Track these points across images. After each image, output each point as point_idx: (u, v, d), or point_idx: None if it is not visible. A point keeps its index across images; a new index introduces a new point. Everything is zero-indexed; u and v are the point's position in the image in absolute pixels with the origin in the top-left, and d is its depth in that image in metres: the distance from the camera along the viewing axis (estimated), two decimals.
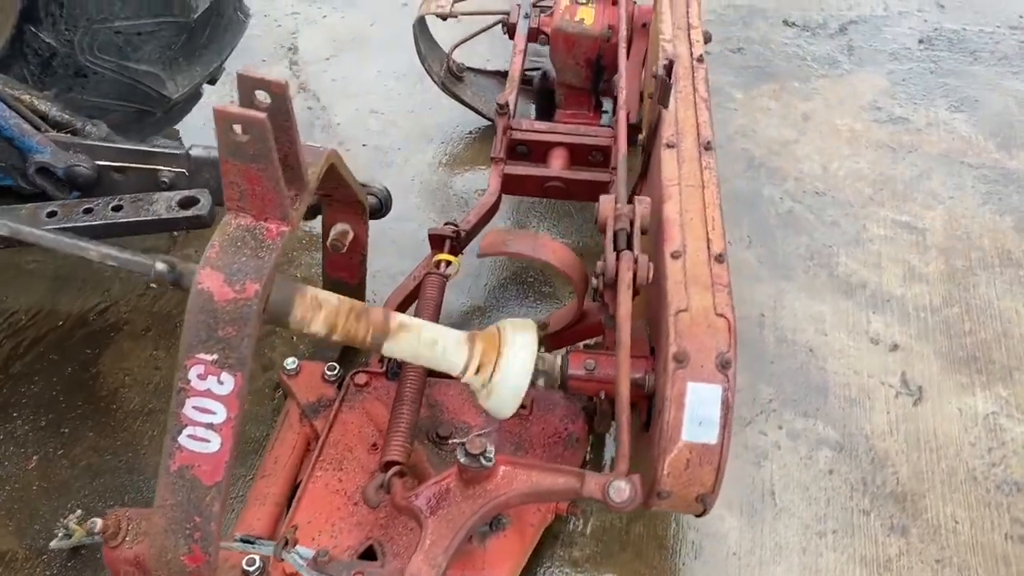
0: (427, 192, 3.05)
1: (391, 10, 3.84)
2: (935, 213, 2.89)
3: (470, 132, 3.26)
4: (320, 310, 1.70)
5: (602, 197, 2.02)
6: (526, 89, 3.28)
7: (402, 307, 2.39)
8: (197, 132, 3.09)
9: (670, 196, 2.01)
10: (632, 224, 1.96)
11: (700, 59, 2.41)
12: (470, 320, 2.65)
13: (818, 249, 2.79)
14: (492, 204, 2.60)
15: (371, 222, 2.74)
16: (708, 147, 2.13)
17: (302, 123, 3.31)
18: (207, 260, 1.45)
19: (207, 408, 1.46)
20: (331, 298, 1.74)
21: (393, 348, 1.79)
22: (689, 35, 2.50)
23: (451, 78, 3.15)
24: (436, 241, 2.47)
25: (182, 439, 1.47)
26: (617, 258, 1.82)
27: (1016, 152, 3.08)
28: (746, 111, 3.29)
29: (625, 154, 2.25)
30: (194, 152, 2.26)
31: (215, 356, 1.44)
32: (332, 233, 2.21)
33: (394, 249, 2.86)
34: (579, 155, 2.72)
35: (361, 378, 2.25)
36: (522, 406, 2.19)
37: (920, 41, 3.57)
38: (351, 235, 2.23)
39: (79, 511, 2.08)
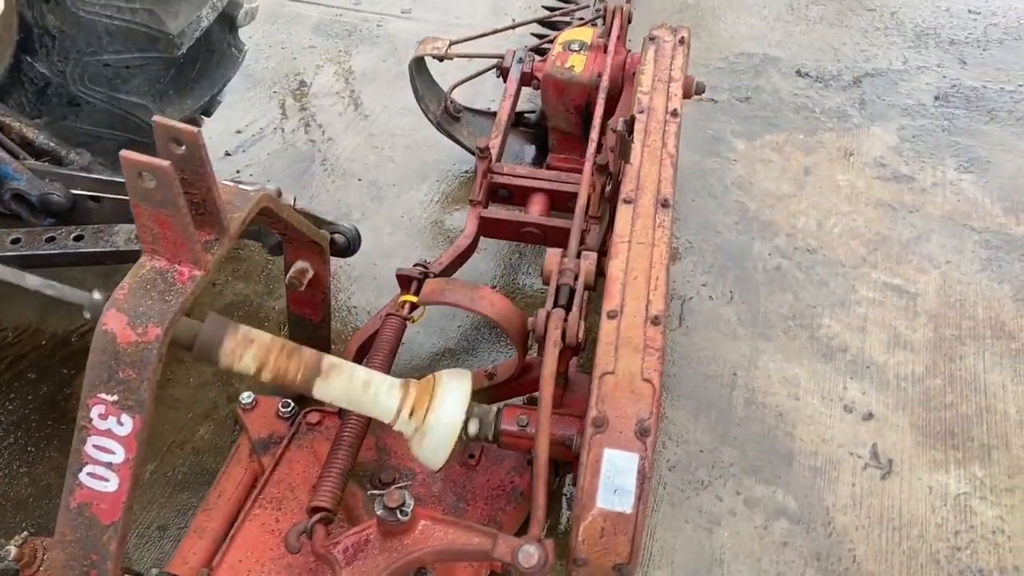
0: (415, 229, 3.06)
1: (406, 47, 3.90)
2: (929, 277, 2.79)
3: (465, 171, 3.27)
4: (250, 348, 1.72)
5: (549, 250, 2.00)
6: (526, 130, 3.32)
7: (364, 347, 2.39)
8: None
9: (617, 253, 1.98)
10: (576, 279, 1.95)
11: (674, 113, 2.38)
12: (439, 362, 2.64)
13: (802, 309, 2.71)
14: (467, 247, 2.60)
15: (356, 256, 2.78)
16: (665, 204, 2.10)
17: (303, 156, 3.40)
18: (114, 301, 1.48)
19: (107, 448, 1.48)
20: (263, 337, 1.75)
21: (325, 390, 1.80)
22: (668, 88, 2.48)
23: (447, 118, 3.18)
24: (404, 282, 2.46)
25: (82, 476, 1.49)
26: (547, 316, 1.80)
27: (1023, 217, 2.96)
28: (746, 162, 3.23)
29: (584, 205, 2.23)
30: None
31: (116, 397, 1.46)
32: (291, 271, 2.22)
33: (375, 285, 2.87)
34: (559, 201, 2.70)
35: (314, 416, 2.25)
36: (470, 455, 2.19)
37: (936, 97, 3.47)
38: (310, 273, 2.24)
39: (25, 532, 2.12)
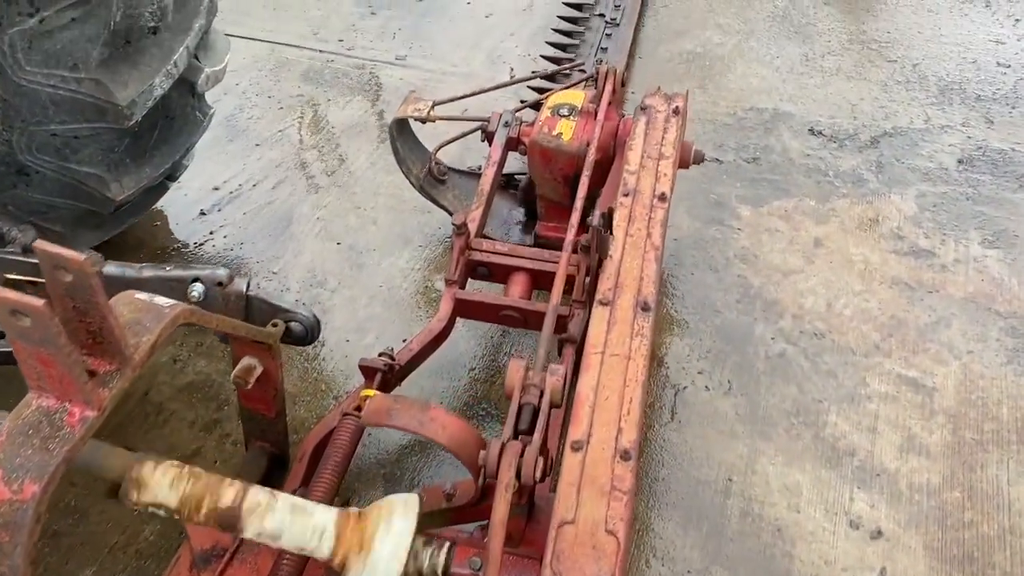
0: (393, 301, 2.86)
1: (397, 96, 3.71)
2: (949, 370, 2.54)
3: (451, 236, 3.05)
4: (159, 483, 1.53)
5: (512, 362, 1.79)
6: (516, 192, 3.11)
7: (321, 445, 2.18)
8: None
9: (588, 367, 1.77)
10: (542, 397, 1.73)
11: (662, 198, 2.17)
12: (408, 457, 2.43)
13: (806, 404, 2.47)
14: (440, 330, 2.39)
15: (324, 328, 2.58)
16: (646, 308, 1.88)
17: (282, 216, 3.22)
18: None
19: None
20: (175, 470, 1.56)
21: (250, 527, 1.60)
22: (658, 167, 2.27)
23: (431, 181, 2.98)
24: (367, 373, 2.27)
25: None
26: (501, 450, 1.58)
27: None
28: (751, 231, 3.00)
29: (556, 303, 2.01)
30: (107, 270, 2.14)
31: None
32: (236, 369, 2.03)
33: (346, 365, 2.67)
34: (543, 281, 2.49)
35: None
36: None
37: (960, 161, 3.22)
38: (258, 370, 2.05)
39: None
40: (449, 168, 3.05)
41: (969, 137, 3.32)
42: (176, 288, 2.18)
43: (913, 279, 2.80)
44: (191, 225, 3.17)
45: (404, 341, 2.71)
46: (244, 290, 2.18)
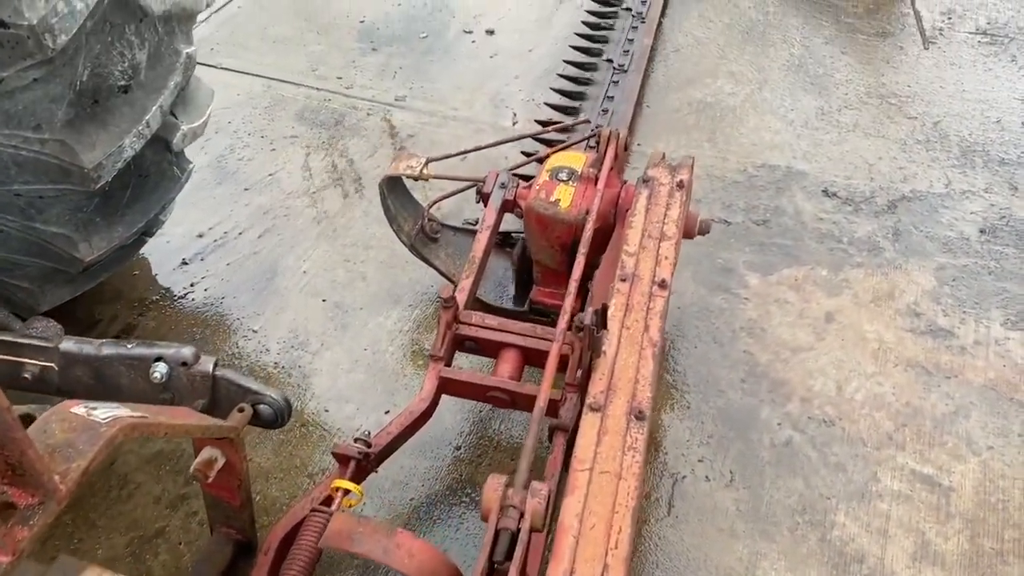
0: (378, 367, 2.71)
1: (396, 142, 3.58)
2: (967, 467, 2.36)
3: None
4: None
5: (489, 480, 1.63)
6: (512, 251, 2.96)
7: (289, 538, 2.02)
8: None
9: (575, 488, 1.61)
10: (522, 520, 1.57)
11: (663, 284, 2.01)
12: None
13: (813, 501, 2.31)
14: (422, 411, 2.24)
15: (302, 396, 2.45)
16: (640, 416, 1.72)
17: (267, 268, 3.08)
18: None
19: None
20: None
21: None
22: (659, 248, 2.11)
23: (423, 239, 2.84)
24: (341, 459, 2.11)
25: None
26: None
27: None
28: (759, 302, 2.84)
29: (542, 409, 1.85)
30: (64, 346, 2.00)
31: None
32: (196, 461, 1.88)
33: (323, 438, 2.52)
34: (535, 358, 2.33)
35: None
36: None
37: (982, 231, 3.05)
38: (220, 463, 1.90)
39: None
40: (443, 225, 2.91)
41: (992, 204, 3.15)
42: (138, 367, 2.04)
43: (930, 362, 2.63)
44: (172, 275, 3.03)
45: (387, 413, 2.59)
46: (211, 370, 2.03)
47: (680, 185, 2.30)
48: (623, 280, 2.04)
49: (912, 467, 2.37)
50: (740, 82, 3.81)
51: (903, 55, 3.94)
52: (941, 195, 3.20)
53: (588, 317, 1.77)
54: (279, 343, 2.79)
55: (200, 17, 4.22)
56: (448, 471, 2.43)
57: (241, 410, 2.00)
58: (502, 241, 2.96)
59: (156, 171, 2.40)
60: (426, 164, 2.68)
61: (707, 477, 2.38)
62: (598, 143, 2.61)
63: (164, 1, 2.03)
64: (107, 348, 2.02)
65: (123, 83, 2.07)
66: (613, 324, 1.93)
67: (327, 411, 2.59)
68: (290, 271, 3.03)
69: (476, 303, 2.83)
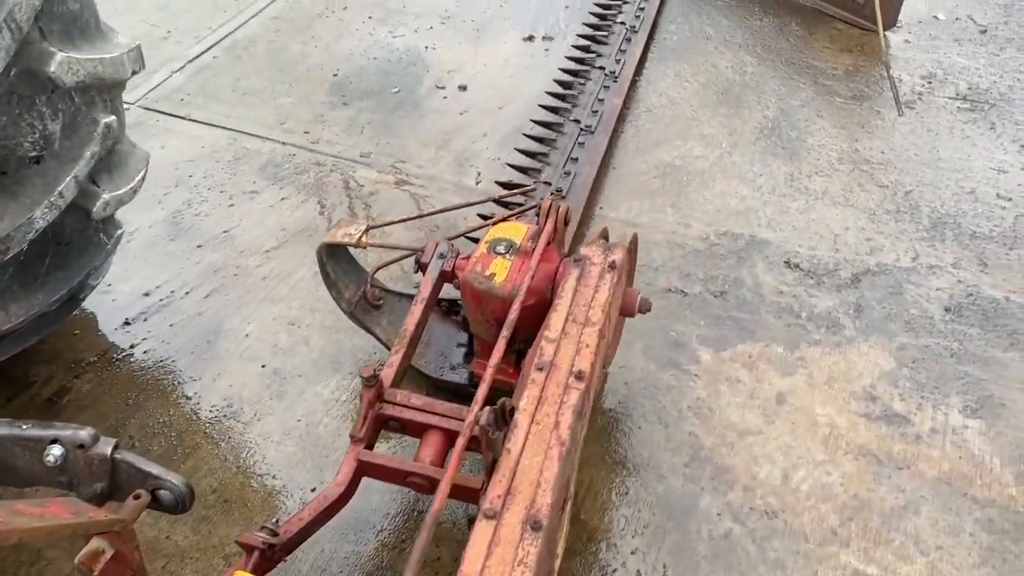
0: (310, 440, 2.63)
1: (354, 198, 3.53)
2: (913, 569, 2.24)
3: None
4: None
5: None
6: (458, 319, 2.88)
7: None
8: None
9: None
10: None
11: (580, 376, 1.92)
12: None
13: None
14: (337, 497, 2.14)
15: (228, 469, 2.37)
16: (537, 527, 1.62)
17: (211, 329, 3.01)
18: None
19: None
20: None
21: None
22: (582, 335, 2.02)
23: (365, 306, 2.76)
24: (245, 548, 2.02)
25: None
26: None
27: None
28: (709, 380, 2.73)
29: (438, 512, 1.75)
30: None
31: None
32: (80, 554, 1.79)
33: (243, 516, 2.43)
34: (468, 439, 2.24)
35: None
36: None
37: (947, 309, 2.94)
38: (108, 554, 1.81)
39: None
40: (386, 291, 2.84)
41: (960, 281, 3.04)
42: (33, 449, 1.96)
43: (882, 451, 2.52)
44: (113, 335, 2.97)
45: (313, 491, 2.50)
46: (109, 454, 1.95)
47: (612, 266, 2.22)
48: (539, 369, 1.95)
49: (855, 567, 2.25)
50: (710, 145, 3.74)
51: (879, 120, 3.86)
52: (907, 269, 3.10)
53: (485, 416, 1.68)
54: (212, 411, 2.71)
55: (174, 66, 4.24)
56: (369, 557, 2.33)
57: (137, 497, 1.92)
58: (449, 308, 2.89)
59: (79, 238, 2.34)
60: (366, 231, 2.62)
61: (639, 572, 2.26)
62: (539, 217, 2.54)
63: (77, 72, 1.98)
64: (1, 428, 1.94)
65: (34, 154, 2.02)
66: (523, 418, 1.84)
67: (252, 487, 2.50)
68: (233, 334, 2.96)
69: (418, 375, 2.75)
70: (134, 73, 2.28)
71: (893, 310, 2.94)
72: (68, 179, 2.07)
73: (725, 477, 2.47)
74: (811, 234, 3.26)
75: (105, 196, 2.24)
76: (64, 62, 1.93)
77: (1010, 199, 3.37)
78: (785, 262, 3.14)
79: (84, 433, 1.95)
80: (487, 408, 1.73)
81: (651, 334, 2.89)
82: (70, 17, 2.01)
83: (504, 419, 1.74)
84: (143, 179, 2.50)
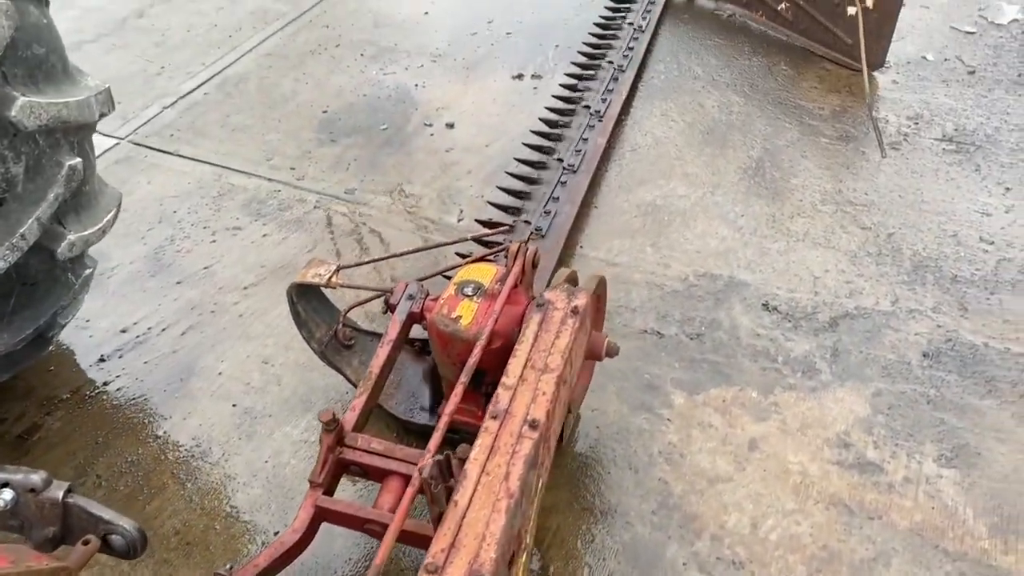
0: (275, 483, 2.61)
1: (338, 235, 3.54)
2: None
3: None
4: None
5: None
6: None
7: None
8: None
9: None
10: None
11: (534, 425, 1.90)
12: None
13: None
14: (293, 544, 2.13)
15: (193, 511, 2.41)
16: None
17: (185, 367, 3.01)
18: None
19: None
20: None
21: None
22: (539, 382, 2.00)
23: (336, 346, 2.75)
24: None
25: None
26: None
27: (1014, 543, 2.35)
28: (681, 425, 2.71)
29: (379, 564, 1.73)
30: None
31: None
32: None
33: (206, 561, 2.40)
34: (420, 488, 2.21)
35: None
36: None
37: (925, 354, 2.91)
38: None
39: None
40: (358, 330, 2.83)
41: (939, 326, 3.01)
42: None
43: (854, 500, 2.47)
44: (88, 372, 2.97)
45: (276, 534, 2.48)
46: (60, 498, 1.94)
47: (575, 311, 2.21)
48: (493, 418, 1.93)
49: None
50: (694, 184, 3.74)
51: (865, 161, 3.85)
52: (886, 313, 3.07)
53: (428, 468, 1.66)
54: (180, 451, 2.70)
55: (165, 102, 4.29)
56: None
57: (86, 543, 1.90)
58: (422, 348, 2.88)
59: (46, 278, 2.35)
60: (336, 272, 2.62)
61: None
62: (507, 259, 2.53)
63: (39, 116, 2.00)
64: None
65: None
66: (473, 468, 1.82)
67: (215, 529, 2.48)
68: (206, 372, 2.96)
69: (387, 416, 2.74)
70: (103, 116, 2.30)
71: (870, 355, 2.91)
72: (30, 221, 2.08)
73: (693, 525, 2.43)
74: (790, 276, 3.24)
75: (71, 237, 2.25)
76: (26, 106, 1.95)
77: (992, 242, 3.34)
78: (763, 304, 3.12)
79: (36, 477, 1.94)
80: (431, 459, 1.71)
81: (625, 376, 2.86)
82: (35, 62, 2.03)
83: (448, 471, 1.72)
84: (114, 219, 2.50)
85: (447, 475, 1.73)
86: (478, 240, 3.25)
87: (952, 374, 2.83)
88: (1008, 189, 3.63)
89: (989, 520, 2.41)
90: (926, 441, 2.63)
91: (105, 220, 2.42)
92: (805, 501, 2.48)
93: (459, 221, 3.61)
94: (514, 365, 2.07)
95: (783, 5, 4.70)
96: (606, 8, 5.05)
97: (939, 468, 2.55)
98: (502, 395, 1.99)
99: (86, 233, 2.32)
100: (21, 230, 2.07)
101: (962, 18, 4.97)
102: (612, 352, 2.44)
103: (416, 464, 2.19)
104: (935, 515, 2.43)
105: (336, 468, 2.24)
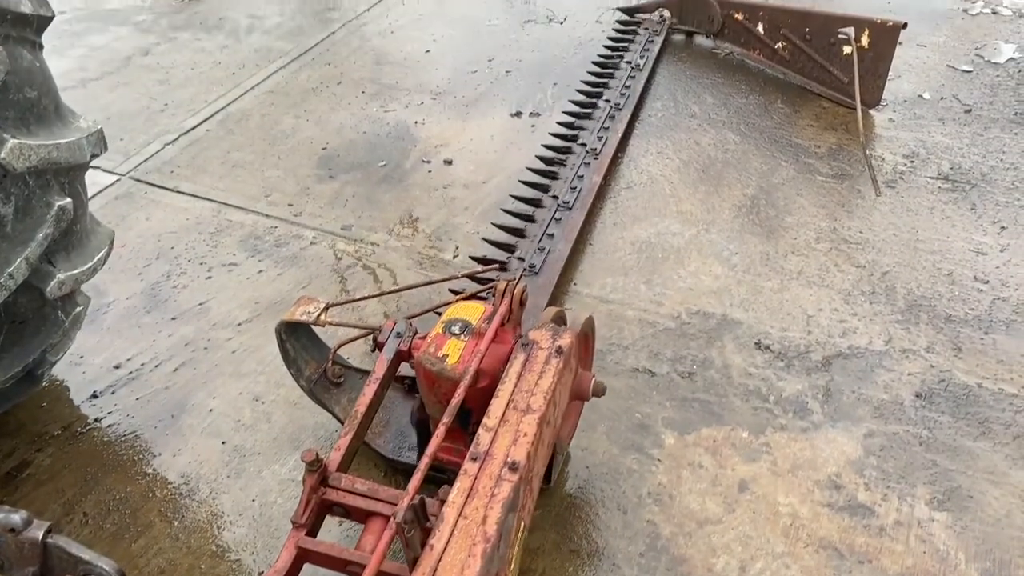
0: (262, 522, 2.60)
1: (332, 272, 3.56)
2: None
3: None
4: None
5: None
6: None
7: None
8: None
9: None
10: None
11: (514, 467, 1.89)
12: None
13: None
14: None
15: (179, 549, 2.43)
16: None
17: (177, 404, 3.01)
18: None
19: None
20: None
21: None
22: (520, 423, 1.99)
23: (325, 383, 2.75)
24: None
25: None
26: None
27: None
28: (671, 465, 2.69)
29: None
30: None
31: None
32: None
33: None
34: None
35: None
36: None
37: (918, 395, 2.89)
38: None
39: None
40: (348, 368, 2.83)
41: (932, 366, 2.99)
42: None
43: (844, 543, 2.44)
44: (80, 408, 2.98)
45: (261, 575, 2.46)
46: (41, 538, 1.94)
47: (559, 351, 2.20)
48: (473, 460, 1.92)
49: None
50: (688, 222, 3.75)
51: (860, 199, 3.86)
52: (880, 353, 3.05)
53: (401, 512, 1.65)
54: (168, 488, 2.69)
55: (167, 139, 4.34)
56: None
57: None
58: (411, 386, 2.87)
59: (35, 316, 2.37)
60: (325, 309, 2.63)
61: None
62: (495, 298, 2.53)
63: (29, 158, 2.03)
64: None
65: None
66: (450, 512, 1.81)
67: (200, 569, 2.47)
68: (197, 409, 2.96)
69: (376, 454, 2.73)
70: (94, 156, 2.33)
71: (863, 395, 2.89)
72: (18, 261, 2.10)
73: (681, 568, 2.40)
74: (784, 315, 3.23)
75: (60, 276, 2.27)
76: (15, 148, 1.98)
77: (987, 282, 3.33)
78: (756, 343, 3.11)
79: (16, 517, 1.94)
80: (406, 503, 1.70)
81: (616, 416, 2.85)
82: (26, 104, 2.07)
83: (424, 515, 1.71)
84: (106, 257, 2.53)
85: (422, 519, 1.72)
86: (471, 277, 3.26)
87: (945, 415, 2.81)
88: (1003, 228, 3.62)
89: (981, 565, 2.37)
90: (918, 483, 2.60)
91: (96, 259, 2.44)
92: (795, 544, 2.45)
93: (454, 257, 3.62)
94: (496, 406, 2.06)
95: (780, 44, 4.74)
96: (604, 47, 5.11)
97: (931, 511, 2.52)
98: (483, 436, 1.98)
99: (76, 272, 2.34)
100: (9, 270, 2.09)
101: (959, 57, 5.00)
102: (599, 392, 2.43)
103: (397, 504, 2.20)
104: (927, 559, 2.39)
105: (319, 509, 2.22)
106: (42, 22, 2.17)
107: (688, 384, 2.97)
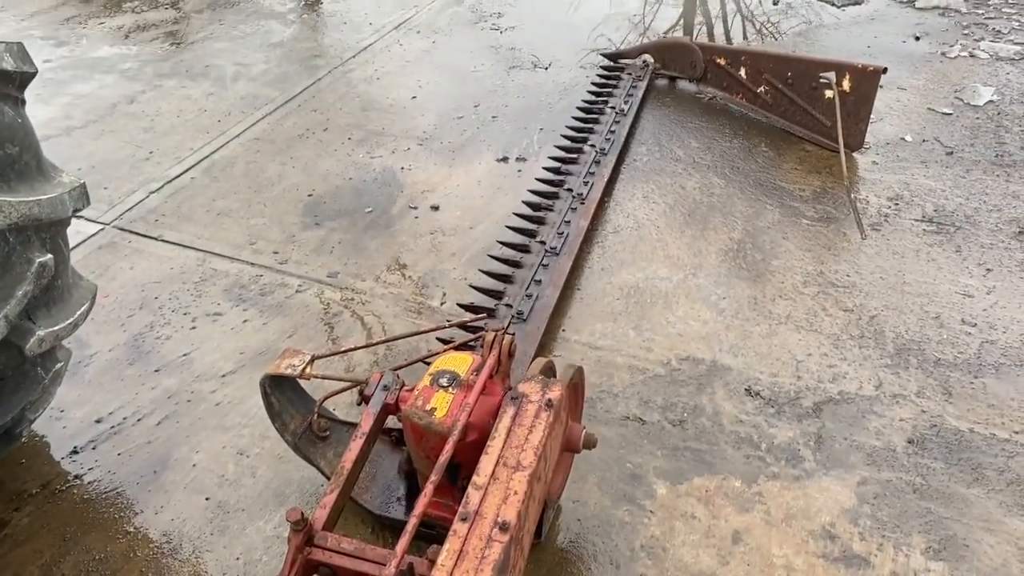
0: None
1: (317, 320, 3.52)
2: None
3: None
4: None
5: None
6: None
7: None
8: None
9: None
10: None
11: (504, 527, 1.85)
12: None
13: None
14: None
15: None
16: None
17: (159, 459, 2.95)
18: None
19: None
20: None
21: None
22: (511, 481, 1.95)
23: (310, 437, 2.71)
24: None
25: None
26: None
27: None
28: (663, 516, 2.65)
29: None
30: None
31: None
32: None
33: None
34: None
35: None
36: None
37: (910, 441, 2.87)
38: None
39: None
40: (334, 421, 2.79)
41: (923, 411, 2.98)
42: None
43: None
44: (60, 465, 2.91)
45: None
46: None
47: (549, 404, 2.18)
48: (463, 520, 1.88)
49: None
50: (675, 267, 3.74)
51: (846, 242, 3.87)
52: (871, 398, 3.04)
53: (390, 572, 1.61)
54: (150, 549, 2.63)
55: (152, 187, 4.32)
56: None
57: None
58: (399, 439, 2.83)
59: (15, 373, 2.32)
60: (311, 362, 2.59)
61: None
62: (483, 349, 2.51)
63: (9, 215, 2.00)
64: None
65: None
66: (440, 575, 1.77)
67: None
68: (180, 464, 2.90)
69: (361, 510, 2.67)
70: (76, 211, 2.30)
71: (855, 442, 2.87)
72: None
73: None
74: (773, 360, 3.22)
75: (40, 333, 2.23)
76: None
77: (975, 324, 3.33)
78: (746, 389, 3.09)
79: None
80: (394, 570, 1.66)
81: (607, 466, 2.81)
82: (7, 160, 2.05)
83: None
84: (87, 312, 2.49)
85: None
86: (460, 326, 3.23)
87: (938, 461, 2.79)
88: (989, 270, 3.64)
89: None
90: (913, 532, 2.57)
91: (77, 314, 2.41)
92: None
93: (441, 304, 3.60)
94: (485, 463, 2.02)
95: (763, 88, 4.80)
96: (589, 92, 5.15)
97: (927, 561, 2.49)
98: (472, 495, 1.94)
99: (56, 328, 2.30)
100: None
101: (939, 100, 5.07)
102: (590, 444, 2.40)
103: (386, 566, 2.15)
104: None
105: (304, 570, 2.17)
106: (24, 78, 2.16)
107: (679, 432, 2.94)
